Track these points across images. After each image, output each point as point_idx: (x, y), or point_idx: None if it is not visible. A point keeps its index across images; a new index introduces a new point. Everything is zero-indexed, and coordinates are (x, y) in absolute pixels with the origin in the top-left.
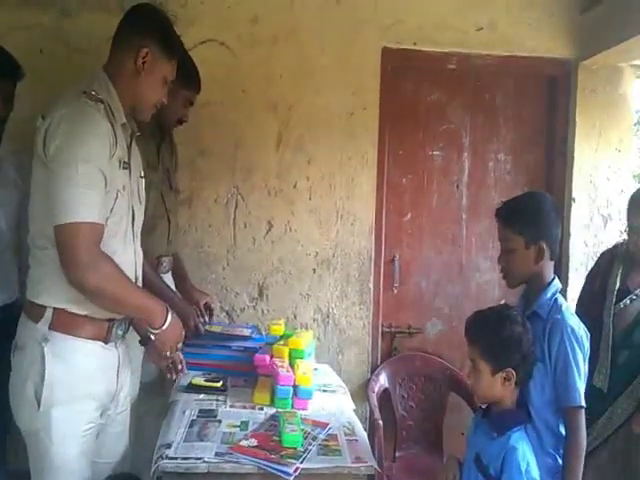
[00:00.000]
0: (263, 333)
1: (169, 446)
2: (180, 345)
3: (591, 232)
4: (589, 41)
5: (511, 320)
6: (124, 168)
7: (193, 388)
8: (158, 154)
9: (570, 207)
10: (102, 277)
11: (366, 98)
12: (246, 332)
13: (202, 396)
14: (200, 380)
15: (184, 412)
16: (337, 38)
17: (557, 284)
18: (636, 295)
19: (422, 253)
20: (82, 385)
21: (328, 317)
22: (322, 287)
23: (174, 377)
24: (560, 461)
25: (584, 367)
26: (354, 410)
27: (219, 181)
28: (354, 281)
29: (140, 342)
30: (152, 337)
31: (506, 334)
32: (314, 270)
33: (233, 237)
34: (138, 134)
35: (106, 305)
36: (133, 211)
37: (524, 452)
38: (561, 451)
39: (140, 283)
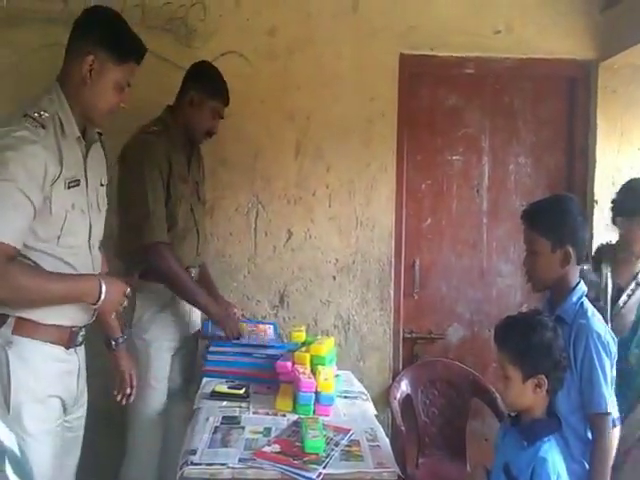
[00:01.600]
0: (285, 340)
1: (194, 452)
2: (124, 303)
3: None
4: (609, 41)
5: (542, 325)
6: (72, 186)
7: (216, 395)
8: (188, 167)
9: (592, 209)
10: (10, 290)
11: (384, 105)
12: (269, 330)
13: (225, 403)
14: (223, 387)
15: (208, 419)
16: (354, 46)
17: (583, 288)
18: (631, 290)
19: (442, 258)
20: (46, 387)
21: (349, 324)
22: (342, 294)
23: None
24: (587, 467)
25: (611, 373)
26: (376, 416)
27: (240, 190)
28: (374, 287)
29: (105, 343)
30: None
31: (537, 340)
32: (334, 277)
33: (254, 246)
34: (99, 134)
35: (30, 307)
36: (90, 224)
37: (554, 463)
38: (589, 456)
39: None
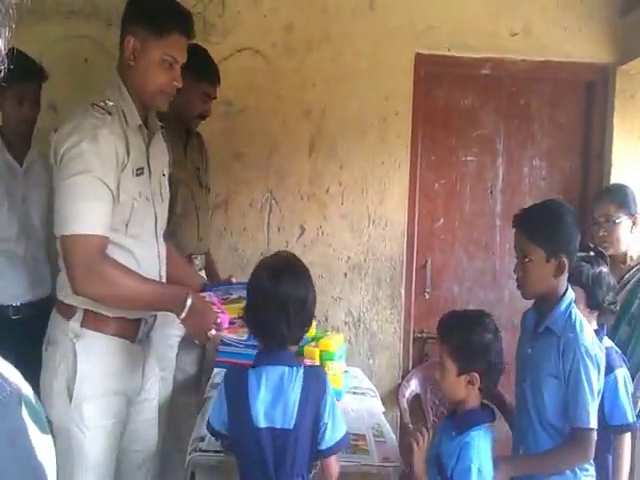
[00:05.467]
0: None
1: (202, 439)
2: (212, 332)
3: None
4: (628, 45)
5: (483, 326)
6: (138, 175)
7: None
8: (185, 152)
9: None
10: (101, 286)
11: (399, 103)
12: None
13: None
14: None
15: None
16: (370, 44)
17: (571, 295)
18: (626, 281)
19: (454, 259)
20: (110, 381)
21: (359, 321)
22: (353, 291)
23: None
24: (580, 475)
25: (597, 386)
26: (384, 413)
27: (254, 185)
28: (385, 286)
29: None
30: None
31: (476, 339)
32: (345, 274)
33: (267, 241)
34: (161, 127)
35: (118, 307)
36: (155, 213)
37: (479, 450)
38: (583, 464)
39: (165, 282)
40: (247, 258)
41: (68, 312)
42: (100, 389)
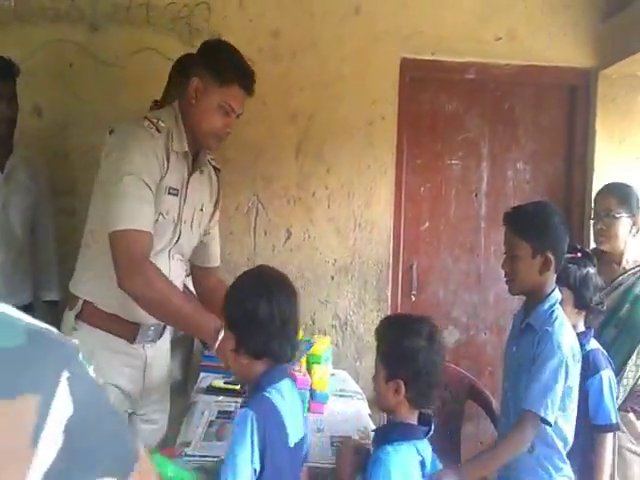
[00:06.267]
0: None
1: (188, 444)
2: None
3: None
4: (609, 50)
5: (415, 331)
6: (171, 194)
7: (213, 390)
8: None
9: (590, 217)
10: (142, 285)
11: (385, 108)
12: None
13: (221, 398)
14: (220, 383)
15: (203, 413)
16: (356, 49)
17: (556, 295)
18: (619, 283)
19: (440, 262)
20: (105, 375)
21: (346, 324)
22: (340, 294)
23: None
24: (554, 475)
25: (562, 383)
26: (370, 416)
27: (240, 190)
28: (372, 289)
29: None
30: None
31: (405, 344)
32: (332, 277)
33: (253, 244)
34: (216, 169)
35: (153, 314)
36: (179, 235)
37: (391, 468)
38: (556, 462)
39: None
40: (234, 262)
41: (71, 302)
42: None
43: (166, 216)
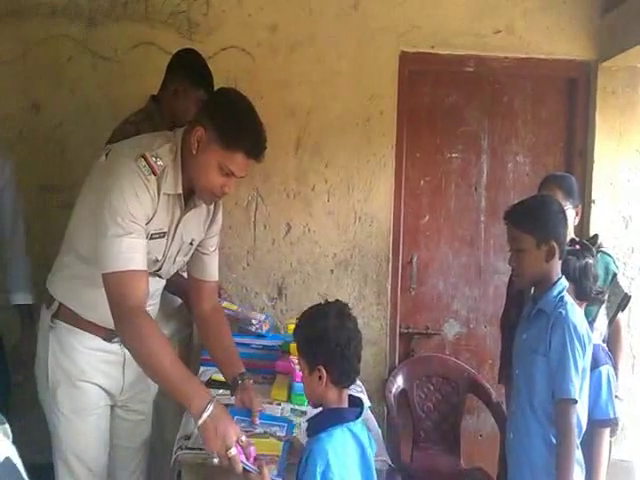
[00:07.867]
0: (282, 331)
1: (188, 438)
2: (232, 451)
3: (611, 234)
4: (609, 42)
5: (323, 315)
6: (154, 238)
7: (213, 384)
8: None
9: (590, 209)
10: (132, 337)
11: (384, 102)
12: (260, 316)
13: (221, 391)
14: (220, 376)
15: None
16: (354, 43)
17: (564, 282)
18: None
19: (440, 255)
20: (80, 373)
21: None
22: (340, 288)
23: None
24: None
25: (582, 363)
26: (370, 408)
27: (239, 184)
28: (371, 282)
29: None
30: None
31: (314, 330)
32: (332, 271)
33: (253, 238)
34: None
35: (139, 365)
36: (160, 267)
37: (321, 451)
38: (572, 436)
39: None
40: (234, 256)
41: (47, 300)
42: (70, 378)
43: (148, 255)
